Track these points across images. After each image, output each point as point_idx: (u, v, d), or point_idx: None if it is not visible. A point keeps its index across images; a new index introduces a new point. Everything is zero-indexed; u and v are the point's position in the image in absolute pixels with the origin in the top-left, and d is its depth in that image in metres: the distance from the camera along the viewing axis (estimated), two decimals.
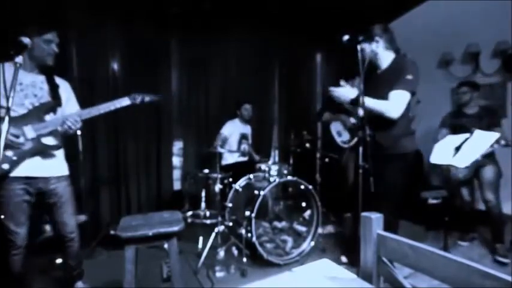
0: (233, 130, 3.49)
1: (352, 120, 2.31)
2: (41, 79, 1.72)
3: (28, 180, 1.64)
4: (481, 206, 2.79)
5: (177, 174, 3.71)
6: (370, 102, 1.95)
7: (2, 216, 1.89)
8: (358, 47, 1.76)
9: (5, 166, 1.54)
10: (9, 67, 1.53)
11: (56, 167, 1.77)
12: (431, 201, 3.21)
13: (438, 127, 2.93)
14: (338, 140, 2.61)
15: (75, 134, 1.81)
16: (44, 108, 1.68)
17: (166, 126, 3.52)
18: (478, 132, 2.22)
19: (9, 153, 1.54)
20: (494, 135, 2.14)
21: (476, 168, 2.60)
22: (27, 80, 1.66)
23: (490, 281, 0.66)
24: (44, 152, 1.68)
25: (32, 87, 1.67)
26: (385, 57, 2.11)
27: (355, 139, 2.40)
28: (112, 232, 2.70)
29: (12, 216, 1.62)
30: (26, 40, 1.27)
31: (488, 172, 2.59)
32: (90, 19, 2.97)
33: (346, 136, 2.43)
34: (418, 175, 3.73)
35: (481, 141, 2.17)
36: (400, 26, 4.32)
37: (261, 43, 4.05)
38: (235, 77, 3.94)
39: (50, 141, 1.71)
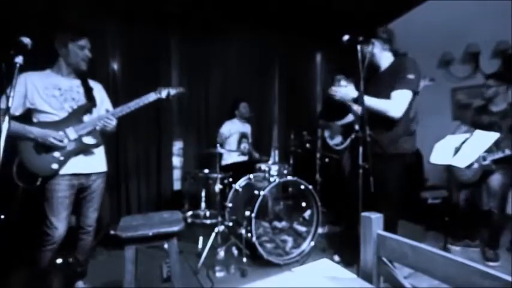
0: (232, 130, 3.49)
1: (342, 122, 2.33)
2: (76, 83, 1.83)
3: (72, 177, 1.76)
4: (484, 209, 2.67)
5: (177, 174, 3.71)
6: (372, 101, 1.95)
7: (2, 216, 1.91)
8: (358, 47, 1.76)
9: (55, 166, 1.68)
10: (43, 74, 1.73)
11: (96, 163, 1.89)
12: (431, 201, 3.21)
13: (458, 124, 2.73)
14: (330, 143, 2.63)
15: (114, 131, 1.93)
16: (81, 110, 1.81)
17: (166, 126, 3.52)
18: (478, 132, 2.21)
19: (57, 154, 1.69)
20: (494, 136, 2.12)
21: (484, 173, 2.43)
22: (65, 85, 1.77)
23: (490, 281, 0.66)
24: (86, 150, 1.82)
25: (70, 91, 1.78)
26: (385, 58, 2.11)
27: (348, 141, 2.41)
28: (112, 232, 2.70)
29: (55, 211, 1.70)
30: (25, 40, 1.27)
31: (495, 180, 2.41)
32: (90, 19, 2.97)
33: (338, 139, 2.44)
34: (418, 175, 3.73)
35: (481, 141, 2.16)
36: (400, 26, 4.33)
37: (261, 43, 4.05)
38: (235, 77, 3.94)
39: (89, 140, 1.83)
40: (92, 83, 1.93)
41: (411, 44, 4.10)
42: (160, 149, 3.48)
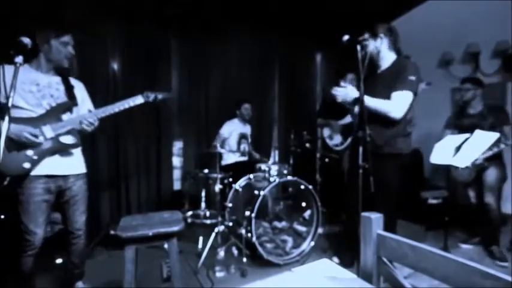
0: (232, 130, 3.49)
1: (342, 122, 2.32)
2: (56, 80, 1.76)
3: (49, 178, 1.67)
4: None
5: (177, 174, 3.71)
6: (374, 102, 1.94)
7: (2, 217, 1.90)
8: (358, 47, 1.76)
9: (27, 165, 1.58)
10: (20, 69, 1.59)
11: (74, 165, 1.82)
12: (431, 201, 3.21)
13: (442, 128, 2.86)
14: (330, 143, 2.61)
15: (92, 132, 1.85)
16: (60, 108, 1.73)
17: (166, 126, 3.52)
18: (478, 132, 2.22)
19: (30, 152, 1.59)
20: (494, 136, 2.13)
21: (479, 170, 2.50)
22: (43, 81, 1.70)
23: (490, 281, 0.66)
24: (63, 150, 1.73)
25: (48, 88, 1.70)
26: (387, 57, 2.11)
27: (348, 141, 2.40)
28: (112, 232, 2.70)
29: (32, 216, 1.63)
30: (25, 40, 1.27)
31: (490, 175, 2.50)
32: (90, 19, 2.97)
33: (338, 139, 2.43)
34: (418, 175, 3.73)
35: (480, 141, 2.17)
36: (401, 26, 4.30)
37: (261, 43, 4.05)
38: (235, 77, 3.94)
39: (68, 139, 1.75)
40: (73, 81, 1.86)
41: (411, 44, 4.11)
42: (160, 149, 3.48)
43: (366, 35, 1.83)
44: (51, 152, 1.67)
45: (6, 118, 1.16)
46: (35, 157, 1.60)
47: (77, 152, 1.84)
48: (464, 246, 2.74)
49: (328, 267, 1.01)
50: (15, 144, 1.54)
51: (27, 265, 1.67)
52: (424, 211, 3.19)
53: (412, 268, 0.84)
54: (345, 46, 1.76)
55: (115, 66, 3.21)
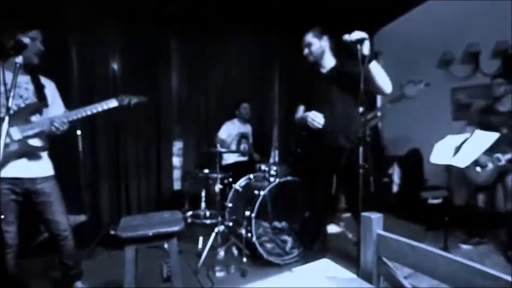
0: (232, 130, 3.49)
1: None
2: (25, 79, 1.68)
3: (14, 181, 1.62)
4: (501, 210, 2.64)
5: (177, 174, 3.71)
6: (379, 69, 1.85)
7: (2, 216, 1.88)
8: (358, 46, 1.75)
9: None
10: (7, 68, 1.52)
11: (42, 167, 1.75)
12: (431, 201, 3.21)
13: (463, 125, 2.73)
14: None
15: (60, 135, 1.77)
16: (29, 109, 1.66)
17: (166, 126, 3.52)
18: (478, 132, 2.21)
19: None
20: (494, 136, 2.11)
21: (500, 173, 2.42)
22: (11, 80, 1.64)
23: (490, 281, 0.66)
24: (30, 153, 1.66)
25: (17, 87, 1.62)
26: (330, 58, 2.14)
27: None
28: (112, 232, 2.70)
29: (3, 216, 1.59)
30: (25, 40, 1.27)
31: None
32: (90, 19, 2.97)
33: None
34: (418, 175, 3.73)
35: (480, 141, 2.16)
36: (400, 26, 4.34)
37: (261, 43, 4.05)
38: (235, 77, 3.94)
39: (36, 142, 1.69)
40: (44, 81, 1.77)
41: (411, 44, 4.12)
42: (160, 149, 3.48)
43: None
44: (18, 154, 1.61)
45: (6, 118, 1.16)
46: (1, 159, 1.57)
47: (45, 154, 1.78)
48: (464, 246, 2.73)
49: (328, 267, 1.02)
50: None
51: (7, 265, 1.62)
52: (424, 211, 3.19)
53: (412, 268, 0.84)
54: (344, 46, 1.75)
55: (115, 66, 3.21)
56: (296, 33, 4.41)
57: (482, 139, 2.16)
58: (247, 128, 3.64)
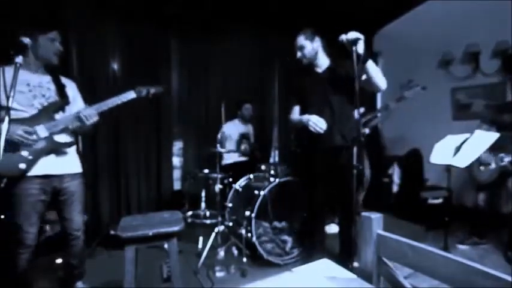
0: (233, 130, 3.49)
1: None
2: (46, 79, 1.74)
3: (44, 179, 1.67)
4: (503, 210, 2.67)
5: (177, 174, 3.71)
6: (375, 68, 1.87)
7: (2, 216, 1.89)
8: (353, 48, 1.75)
9: (22, 166, 1.57)
10: (9, 69, 1.56)
11: (70, 164, 1.80)
12: (431, 201, 3.21)
13: (479, 123, 2.69)
14: None
15: (89, 131, 1.86)
16: (53, 107, 1.72)
17: (166, 126, 3.52)
18: (478, 132, 2.21)
19: (25, 153, 1.58)
20: (493, 136, 2.11)
21: (501, 174, 2.42)
22: (34, 80, 1.68)
23: (490, 281, 0.66)
24: (58, 149, 1.73)
25: (39, 87, 1.69)
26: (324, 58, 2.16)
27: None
28: (112, 232, 2.70)
29: (26, 215, 1.63)
30: (25, 40, 1.27)
31: None
32: (90, 19, 2.97)
33: None
34: (417, 175, 3.73)
35: (480, 141, 2.16)
36: (400, 26, 4.34)
37: (261, 43, 4.05)
38: (235, 77, 3.94)
39: (62, 138, 1.74)
40: (65, 80, 1.85)
41: (411, 44, 4.12)
42: (160, 149, 3.48)
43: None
44: (46, 151, 1.66)
45: (6, 118, 1.16)
46: (30, 157, 1.59)
47: (72, 151, 1.83)
48: (461, 246, 2.71)
49: (328, 267, 1.01)
50: (9, 145, 1.52)
51: (20, 264, 1.65)
52: (424, 211, 3.19)
53: (412, 268, 0.84)
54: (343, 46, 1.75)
55: (115, 66, 3.21)
56: (296, 34, 4.41)
57: (483, 139, 2.16)
58: (248, 128, 3.64)
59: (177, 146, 3.73)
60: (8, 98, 1.19)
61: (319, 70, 2.16)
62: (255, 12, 3.71)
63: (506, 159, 2.37)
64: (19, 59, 1.23)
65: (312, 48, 2.11)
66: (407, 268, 0.87)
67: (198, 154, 3.71)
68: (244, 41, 3.94)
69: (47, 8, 2.70)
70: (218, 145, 2.67)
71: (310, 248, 2.27)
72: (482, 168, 2.51)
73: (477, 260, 2.37)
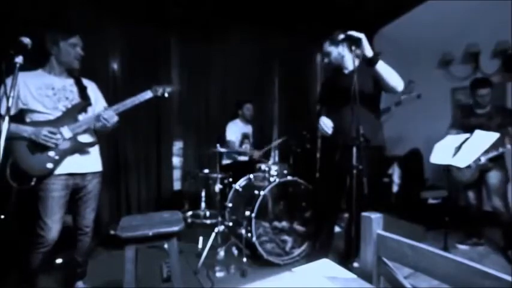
0: (235, 131, 3.49)
1: None
2: (70, 82, 1.82)
3: (69, 176, 1.74)
4: (488, 208, 2.71)
5: (177, 174, 3.71)
6: (387, 68, 1.85)
7: (2, 216, 1.91)
8: (353, 47, 1.75)
9: (50, 165, 1.67)
10: (35, 74, 1.71)
11: (92, 163, 1.87)
12: (431, 201, 3.21)
13: (448, 128, 2.81)
14: None
15: (112, 130, 1.90)
16: (76, 109, 1.79)
17: (166, 126, 3.52)
18: (478, 132, 2.21)
19: (52, 153, 1.67)
20: (493, 136, 2.12)
21: (481, 172, 2.49)
22: (58, 84, 1.76)
23: (490, 281, 0.66)
24: (81, 149, 1.80)
25: (63, 90, 1.77)
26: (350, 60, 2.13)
27: None
28: (112, 232, 2.70)
29: (50, 211, 1.68)
30: (25, 40, 1.27)
31: (493, 177, 2.48)
32: (91, 19, 2.97)
33: None
34: (417, 175, 3.73)
35: (480, 141, 2.16)
36: (400, 26, 4.34)
37: (261, 43, 4.05)
38: (235, 77, 3.94)
39: (85, 138, 1.82)
40: (86, 82, 1.91)
41: (411, 44, 4.12)
42: (160, 149, 3.48)
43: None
44: (71, 151, 1.75)
45: (6, 118, 1.16)
46: (57, 157, 1.69)
47: (94, 150, 1.90)
48: (461, 246, 2.73)
49: (328, 267, 1.01)
50: (37, 146, 1.63)
51: (37, 262, 1.70)
52: (424, 211, 3.19)
53: (412, 268, 0.84)
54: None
55: (115, 66, 3.21)
56: (296, 33, 4.42)
57: (483, 139, 2.16)
58: (248, 129, 3.64)
59: (177, 146, 3.73)
60: (8, 98, 1.19)
61: (346, 71, 2.16)
62: (255, 13, 3.71)
63: (484, 158, 2.40)
64: (19, 59, 1.23)
65: (338, 53, 2.10)
66: (407, 268, 0.87)
67: (198, 154, 3.71)
68: (244, 41, 3.94)
69: (48, 8, 2.70)
70: (221, 146, 2.65)
71: (320, 247, 2.26)
72: (462, 168, 2.54)
73: (477, 260, 2.38)
